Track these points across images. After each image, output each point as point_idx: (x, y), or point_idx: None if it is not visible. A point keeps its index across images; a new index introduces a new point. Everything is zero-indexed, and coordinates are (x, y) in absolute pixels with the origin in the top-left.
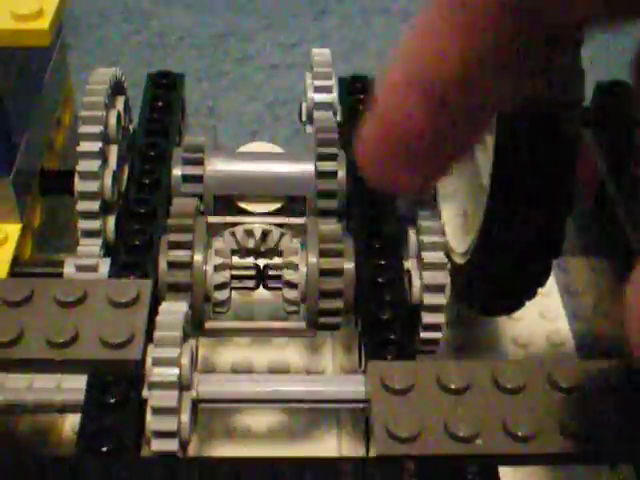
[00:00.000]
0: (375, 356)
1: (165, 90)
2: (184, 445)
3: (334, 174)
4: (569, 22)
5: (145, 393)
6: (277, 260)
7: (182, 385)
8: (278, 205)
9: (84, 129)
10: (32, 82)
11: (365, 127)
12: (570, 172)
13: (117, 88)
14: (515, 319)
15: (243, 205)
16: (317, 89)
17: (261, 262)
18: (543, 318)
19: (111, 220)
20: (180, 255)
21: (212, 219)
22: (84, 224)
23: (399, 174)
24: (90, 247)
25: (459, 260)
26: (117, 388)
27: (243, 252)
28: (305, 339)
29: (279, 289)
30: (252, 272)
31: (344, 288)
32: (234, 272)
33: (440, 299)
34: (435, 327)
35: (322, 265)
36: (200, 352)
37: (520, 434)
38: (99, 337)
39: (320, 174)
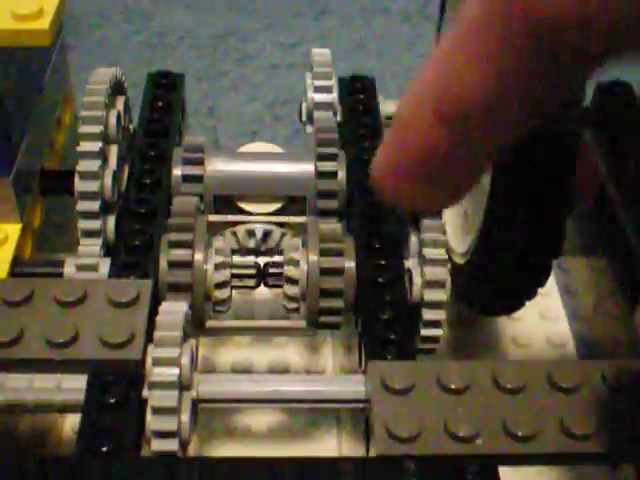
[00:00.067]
0: (375, 356)
1: (165, 90)
2: (184, 445)
3: (334, 174)
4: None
5: (145, 393)
6: (278, 258)
7: (182, 385)
8: (278, 205)
9: (84, 129)
10: (32, 82)
11: (383, 145)
12: (570, 172)
13: (117, 88)
14: (515, 319)
15: (243, 205)
16: (317, 89)
17: (261, 260)
18: (543, 318)
19: (111, 220)
20: (180, 254)
21: (212, 218)
22: (84, 224)
23: (414, 193)
24: (90, 247)
25: (459, 260)
26: (117, 388)
27: (244, 251)
28: (305, 339)
29: (280, 286)
30: (252, 271)
31: (345, 287)
32: (234, 271)
33: (441, 295)
34: (436, 324)
35: (323, 264)
36: (200, 352)
37: (520, 434)
38: (99, 337)
39: (320, 174)
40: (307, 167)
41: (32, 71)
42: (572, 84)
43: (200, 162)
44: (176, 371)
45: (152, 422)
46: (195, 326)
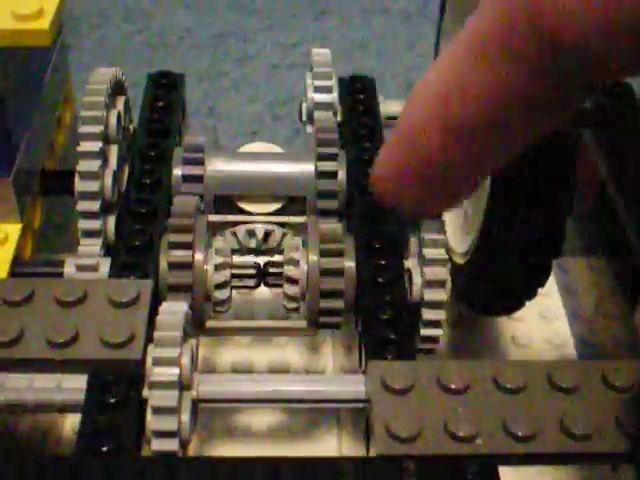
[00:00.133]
0: (375, 356)
1: (165, 90)
2: (184, 445)
3: (334, 174)
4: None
5: (145, 393)
6: (278, 257)
7: (182, 385)
8: (278, 205)
9: (84, 129)
10: (32, 82)
11: (386, 147)
12: (570, 172)
13: (117, 88)
14: (515, 319)
15: (243, 205)
16: (317, 89)
17: (261, 260)
18: (543, 318)
19: (111, 220)
20: (181, 255)
21: (213, 218)
22: (84, 224)
23: (414, 196)
24: (90, 247)
25: (459, 260)
26: (117, 388)
27: (244, 251)
28: (305, 339)
29: (280, 286)
30: (252, 271)
31: (345, 287)
32: (234, 271)
33: (441, 295)
34: (436, 324)
35: (323, 264)
36: (200, 352)
37: (520, 434)
38: (99, 337)
39: (320, 174)
40: (307, 167)
41: (32, 71)
42: (584, 98)
43: (200, 162)
44: (176, 371)
45: (152, 422)
46: (195, 326)
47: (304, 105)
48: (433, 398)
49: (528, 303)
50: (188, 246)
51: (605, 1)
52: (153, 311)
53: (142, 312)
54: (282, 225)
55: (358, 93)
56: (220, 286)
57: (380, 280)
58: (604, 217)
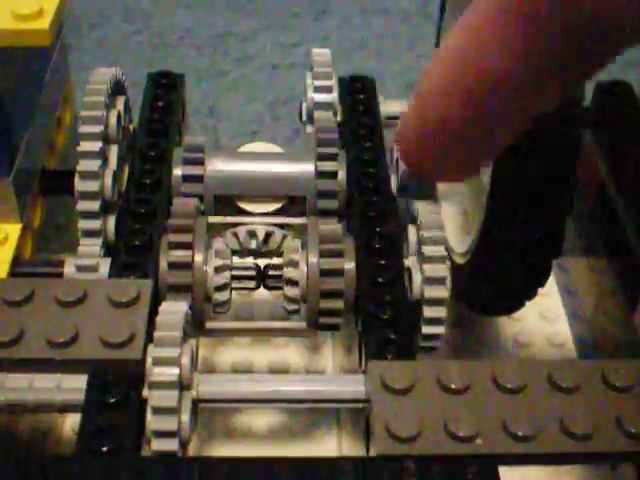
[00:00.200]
0: (375, 356)
1: (165, 90)
2: (184, 445)
3: (334, 174)
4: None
5: (145, 393)
6: (278, 260)
7: (182, 385)
8: (278, 205)
9: (84, 129)
10: (32, 82)
11: (405, 114)
12: (570, 172)
13: (117, 88)
14: (515, 319)
15: (243, 205)
16: (317, 89)
17: (261, 262)
18: (543, 318)
19: (111, 220)
20: (180, 255)
21: (212, 219)
22: (84, 224)
23: (435, 162)
24: (90, 247)
25: (459, 260)
26: (117, 388)
27: (245, 252)
28: (305, 339)
29: (280, 288)
30: (252, 272)
31: (345, 288)
32: (234, 272)
33: (441, 292)
34: (436, 321)
35: (323, 265)
36: (200, 352)
37: (520, 434)
38: (99, 337)
39: (320, 174)
40: (307, 167)
41: (32, 71)
42: (602, 64)
43: (200, 162)
44: (176, 371)
45: (152, 422)
46: (195, 327)
47: (304, 105)
48: (433, 398)
49: (528, 303)
50: (188, 246)
51: None
52: (153, 311)
53: (142, 312)
54: (282, 226)
55: (358, 93)
56: (220, 288)
57: (380, 280)
58: (604, 217)
